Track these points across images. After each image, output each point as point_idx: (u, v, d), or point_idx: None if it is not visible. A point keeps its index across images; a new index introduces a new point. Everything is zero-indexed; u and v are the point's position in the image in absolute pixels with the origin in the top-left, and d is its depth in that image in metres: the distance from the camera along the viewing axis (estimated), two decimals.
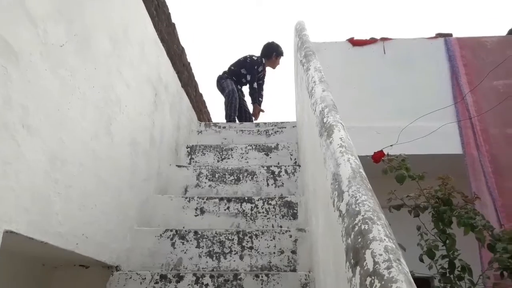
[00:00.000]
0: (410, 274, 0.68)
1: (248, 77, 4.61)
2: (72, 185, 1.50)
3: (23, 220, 1.24)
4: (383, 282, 0.65)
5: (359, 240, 0.77)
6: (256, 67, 4.66)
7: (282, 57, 4.76)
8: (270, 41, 4.81)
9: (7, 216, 1.17)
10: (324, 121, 1.31)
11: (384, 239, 0.74)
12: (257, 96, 4.73)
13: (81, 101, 1.58)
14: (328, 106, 1.39)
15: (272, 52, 4.71)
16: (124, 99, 1.97)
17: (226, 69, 4.74)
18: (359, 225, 0.80)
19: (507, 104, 2.74)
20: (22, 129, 1.25)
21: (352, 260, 0.77)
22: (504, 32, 3.74)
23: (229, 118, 4.36)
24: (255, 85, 4.65)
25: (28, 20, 1.29)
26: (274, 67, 4.82)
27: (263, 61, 4.72)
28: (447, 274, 1.84)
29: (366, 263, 0.72)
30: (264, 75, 4.84)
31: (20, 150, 1.23)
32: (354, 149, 1.11)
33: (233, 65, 4.73)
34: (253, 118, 4.74)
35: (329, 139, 1.19)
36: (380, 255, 0.70)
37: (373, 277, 0.68)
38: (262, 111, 4.80)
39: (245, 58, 4.73)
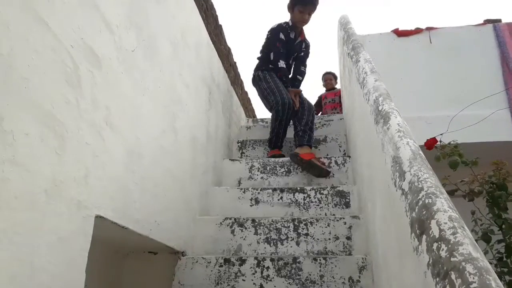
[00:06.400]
0: (474, 240, 0.75)
1: (272, 56, 3.18)
2: (146, 176, 1.66)
3: (109, 207, 1.40)
4: (449, 246, 0.73)
5: (424, 212, 0.85)
6: (277, 35, 3.16)
7: (301, 6, 3.13)
8: None
9: (98, 202, 1.33)
10: (380, 109, 1.38)
11: (448, 210, 0.81)
12: (287, 78, 3.16)
13: (151, 101, 1.74)
14: (382, 95, 1.46)
15: (289, 5, 3.21)
16: (185, 98, 2.12)
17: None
18: (423, 199, 0.88)
19: None
20: (106, 126, 1.41)
21: (417, 230, 0.85)
22: None
23: (273, 144, 3.05)
24: (281, 63, 3.09)
25: (107, 28, 1.45)
26: (298, 24, 3.22)
27: (289, 24, 3.22)
28: (504, 259, 1.85)
29: (432, 231, 0.79)
30: (301, 43, 3.32)
31: (105, 145, 1.39)
32: (411, 134, 1.18)
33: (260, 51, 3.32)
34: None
35: (386, 125, 1.26)
36: (445, 223, 0.78)
37: (439, 242, 0.76)
38: (298, 92, 3.17)
39: (266, 35, 3.31)
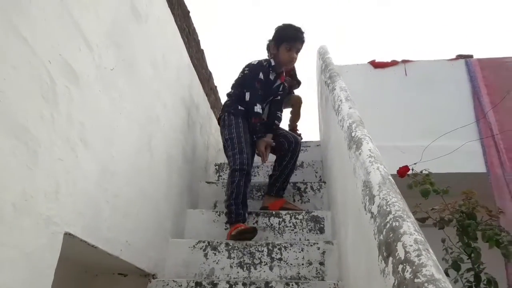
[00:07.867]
0: (437, 262, 0.77)
1: (247, 96, 2.66)
2: (118, 194, 1.64)
3: (79, 224, 1.37)
4: (414, 267, 0.75)
5: (391, 235, 0.87)
6: (257, 74, 2.70)
7: (288, 44, 2.70)
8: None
9: (67, 219, 1.30)
10: (353, 135, 1.42)
11: (414, 233, 0.84)
12: (262, 126, 2.70)
13: (128, 120, 1.73)
14: (356, 122, 1.50)
15: (273, 43, 2.79)
16: (162, 117, 2.13)
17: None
18: (390, 222, 0.90)
19: None
20: (80, 143, 1.39)
21: (384, 253, 0.87)
22: None
23: (234, 214, 2.33)
24: (257, 108, 2.61)
25: (86, 46, 1.45)
26: (285, 64, 2.79)
27: (271, 63, 2.77)
28: (473, 287, 1.88)
29: (398, 254, 0.81)
30: (279, 87, 2.87)
31: (78, 161, 1.37)
32: (382, 160, 1.21)
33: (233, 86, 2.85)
34: (261, 158, 2.75)
35: (358, 151, 1.29)
36: (411, 245, 0.80)
37: (404, 264, 0.77)
38: (270, 144, 2.73)
39: (243, 69, 2.83)
